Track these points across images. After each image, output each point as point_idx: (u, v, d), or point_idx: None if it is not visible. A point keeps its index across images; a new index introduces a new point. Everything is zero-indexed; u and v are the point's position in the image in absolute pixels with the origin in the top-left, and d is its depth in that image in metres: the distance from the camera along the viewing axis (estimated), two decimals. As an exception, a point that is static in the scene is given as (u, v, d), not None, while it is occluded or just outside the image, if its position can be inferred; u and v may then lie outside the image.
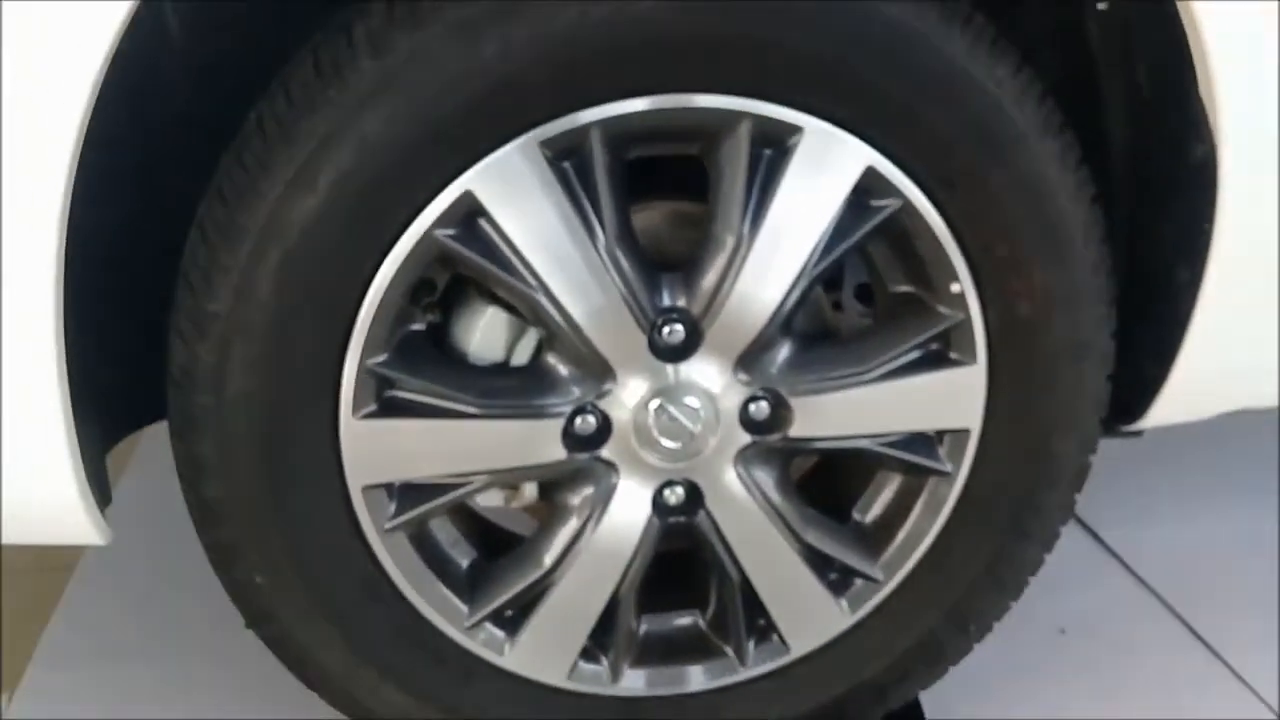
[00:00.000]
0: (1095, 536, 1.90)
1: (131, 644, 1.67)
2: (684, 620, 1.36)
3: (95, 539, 1.17)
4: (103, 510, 1.17)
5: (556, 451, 1.19)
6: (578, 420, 1.18)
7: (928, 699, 1.51)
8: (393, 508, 1.19)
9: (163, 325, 1.15)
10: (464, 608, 1.25)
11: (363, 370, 1.13)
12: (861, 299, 1.35)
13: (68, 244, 1.04)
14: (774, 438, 1.23)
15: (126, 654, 1.65)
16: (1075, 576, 1.77)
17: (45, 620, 1.71)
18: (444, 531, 1.27)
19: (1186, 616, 1.72)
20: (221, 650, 1.55)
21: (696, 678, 1.33)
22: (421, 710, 1.29)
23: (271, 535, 1.18)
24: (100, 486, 1.18)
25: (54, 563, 1.80)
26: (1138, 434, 1.40)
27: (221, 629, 1.35)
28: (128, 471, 1.94)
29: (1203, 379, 1.31)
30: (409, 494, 1.20)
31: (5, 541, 1.16)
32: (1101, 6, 1.25)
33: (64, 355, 1.07)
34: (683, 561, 1.33)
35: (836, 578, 1.31)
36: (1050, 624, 1.69)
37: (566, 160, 1.11)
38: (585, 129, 1.08)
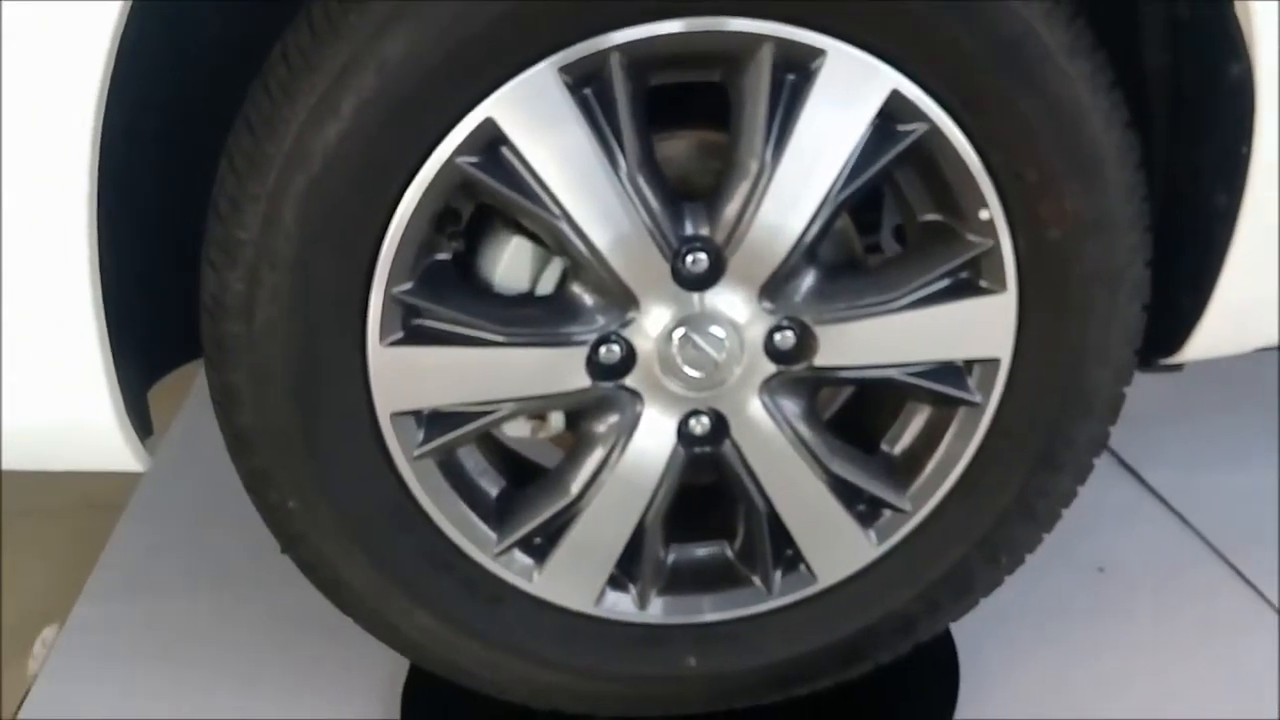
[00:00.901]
0: (1138, 477, 1.88)
1: (179, 580, 1.71)
2: (712, 550, 1.36)
3: (135, 466, 1.19)
4: (143, 440, 1.19)
5: (581, 380, 1.19)
6: (602, 349, 1.18)
7: (960, 634, 1.51)
8: (421, 435, 1.20)
9: (197, 268, 1.16)
10: (492, 534, 1.26)
11: (389, 298, 1.13)
12: (902, 241, 1.34)
13: (103, 176, 1.05)
14: (799, 367, 1.22)
15: (174, 590, 1.69)
16: (1116, 517, 1.77)
17: (94, 557, 1.75)
18: (472, 460, 1.28)
19: (1231, 558, 1.69)
20: (266, 583, 1.57)
21: (724, 606, 1.33)
22: (451, 633, 1.30)
23: (303, 462, 1.19)
24: (141, 417, 1.20)
25: (103, 500, 1.84)
26: (1178, 368, 1.37)
27: (266, 563, 1.36)
28: (179, 415, 1.98)
29: (1241, 311, 1.28)
30: (437, 421, 1.20)
31: (49, 467, 1.19)
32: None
33: (99, 286, 1.09)
34: (711, 493, 1.32)
35: (864, 508, 1.31)
36: (1089, 563, 1.69)
37: (587, 87, 1.10)
38: (605, 54, 1.07)
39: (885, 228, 1.39)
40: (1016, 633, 1.55)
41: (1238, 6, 1.12)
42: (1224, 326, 1.29)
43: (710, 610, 1.33)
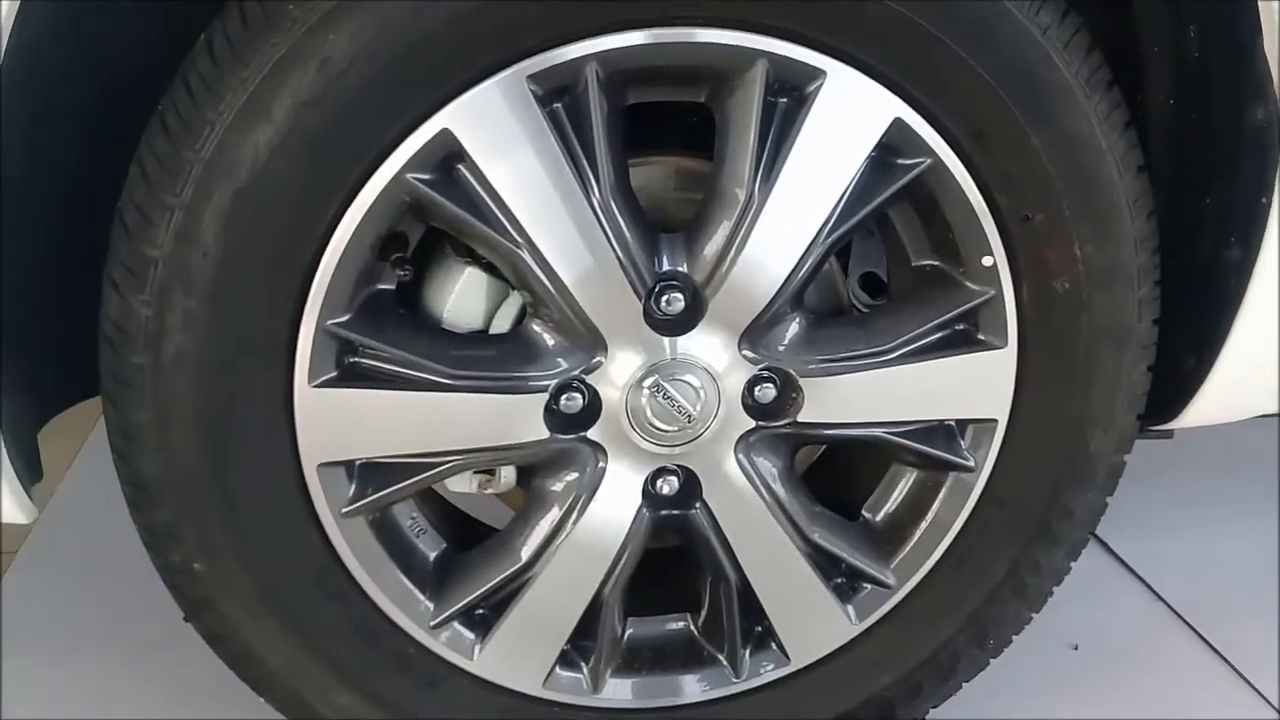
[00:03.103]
0: (1108, 549, 1.87)
1: (64, 641, 1.61)
2: (673, 625, 1.30)
3: (18, 517, 1.12)
4: (28, 488, 1.12)
5: (538, 431, 1.12)
6: (563, 397, 1.12)
7: (932, 716, 1.42)
8: (352, 489, 1.13)
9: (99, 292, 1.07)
10: (429, 604, 1.20)
11: (321, 332, 1.06)
12: (870, 290, 1.29)
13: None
14: (781, 423, 1.17)
15: (58, 651, 1.59)
16: (1088, 590, 1.73)
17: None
18: (409, 518, 1.21)
19: (1202, 630, 1.67)
20: (164, 652, 1.48)
21: (685, 688, 1.28)
22: (379, 718, 1.22)
23: (213, 517, 1.11)
24: (28, 461, 1.14)
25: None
26: (1168, 434, 1.33)
27: (163, 627, 1.27)
28: (78, 459, 1.88)
29: (1250, 375, 1.24)
30: (370, 474, 1.13)
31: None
32: (1146, -37, 1.19)
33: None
34: (672, 559, 1.26)
35: (843, 581, 1.26)
36: (1063, 639, 1.64)
37: (559, 101, 1.04)
38: (580, 64, 1.02)
39: (852, 275, 1.34)
40: (993, 714, 1.49)
41: (1266, 43, 1.08)
42: (1230, 391, 1.25)
43: (671, 693, 1.28)
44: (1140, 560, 1.80)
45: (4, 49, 0.93)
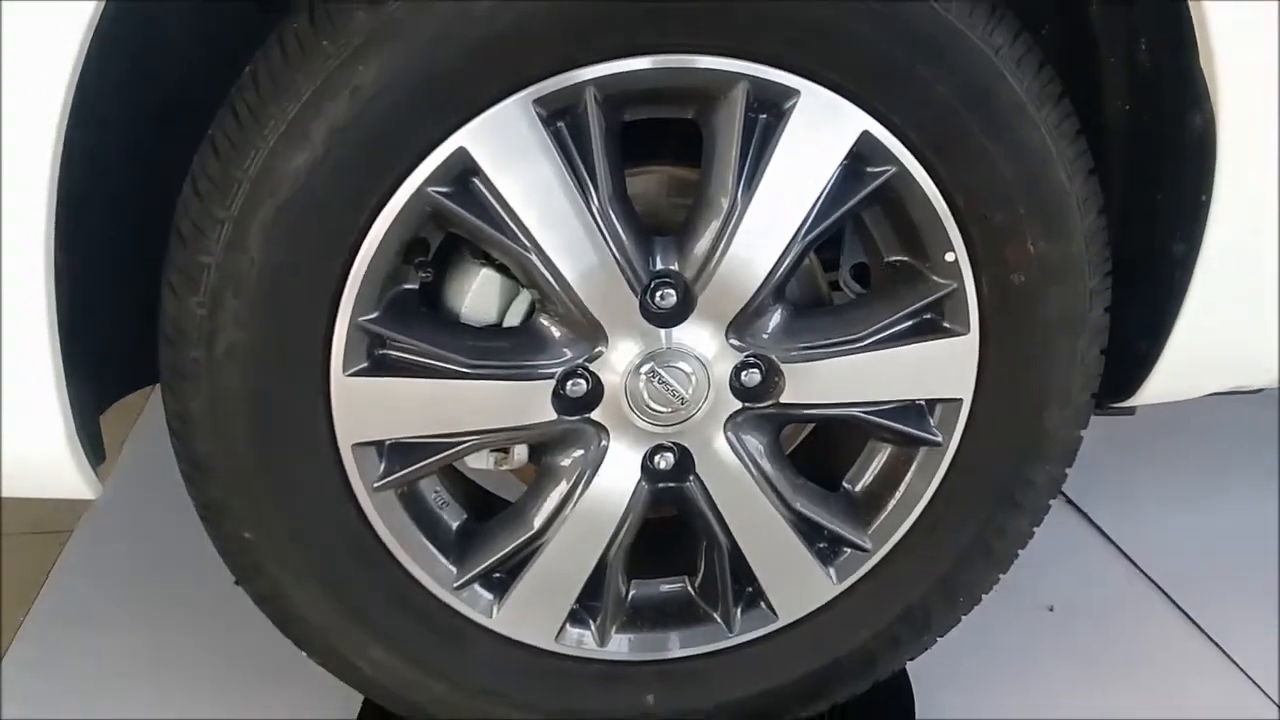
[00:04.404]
0: (1086, 517, 1.92)
1: (125, 609, 1.68)
2: (673, 586, 1.36)
3: (86, 493, 1.17)
4: (95, 467, 1.16)
5: (547, 413, 1.18)
6: (569, 382, 1.18)
7: (915, 670, 1.51)
8: (382, 466, 1.19)
9: (153, 290, 1.14)
10: (452, 568, 1.25)
11: (354, 327, 1.12)
12: (860, 279, 1.35)
13: (62, 198, 1.03)
14: (765, 404, 1.23)
15: (120, 619, 1.66)
16: (1065, 556, 1.80)
17: (38, 583, 1.72)
18: (433, 492, 1.27)
19: (1175, 596, 1.73)
20: (215, 615, 1.55)
21: (684, 643, 1.33)
22: (409, 670, 1.29)
23: (260, 492, 1.17)
24: (93, 443, 1.17)
25: (50, 526, 1.80)
26: (1130, 411, 1.40)
27: (214, 593, 1.35)
28: (129, 440, 1.95)
29: (1196, 357, 1.31)
30: (399, 453, 1.19)
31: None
32: (1102, -21, 1.25)
33: (55, 311, 1.06)
34: (673, 528, 1.32)
35: (825, 546, 1.31)
36: (1039, 602, 1.71)
37: (561, 120, 1.10)
38: (580, 88, 1.08)
39: (844, 266, 1.40)
40: (970, 670, 1.57)
41: (1201, 57, 1.14)
42: (1179, 372, 1.31)
43: (671, 647, 1.33)
44: (1117, 529, 1.86)
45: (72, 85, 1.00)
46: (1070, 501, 1.94)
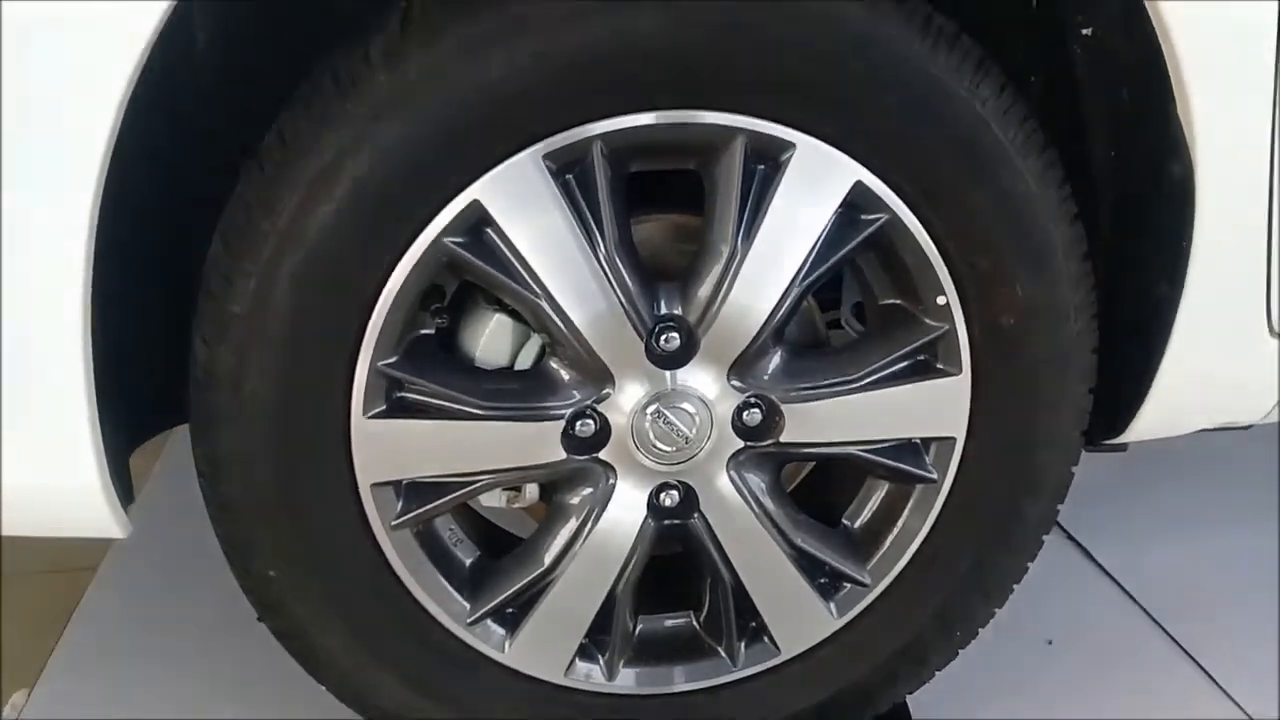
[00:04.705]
0: (1086, 552, 1.94)
1: (149, 646, 1.70)
2: (678, 621, 1.39)
3: (116, 533, 1.20)
4: (125, 507, 1.20)
5: (557, 453, 1.22)
6: (578, 423, 1.21)
7: (917, 704, 1.54)
8: (400, 505, 1.23)
9: (188, 331, 1.18)
10: (466, 604, 1.29)
11: (374, 371, 1.16)
12: (860, 318, 1.39)
13: (98, 251, 1.08)
14: (766, 443, 1.26)
15: (144, 656, 1.68)
16: (1065, 590, 1.83)
17: (61, 621, 1.74)
18: (448, 530, 1.31)
19: (1172, 630, 1.75)
20: (235, 651, 1.59)
21: (689, 677, 1.36)
22: (424, 703, 1.31)
23: (284, 530, 1.21)
24: (123, 483, 1.21)
25: (71, 564, 1.83)
26: (1122, 448, 1.43)
27: (236, 630, 1.38)
28: (150, 480, 1.99)
29: (1183, 395, 1.34)
30: (415, 492, 1.23)
31: (30, 532, 1.20)
32: (1085, 32, 1.30)
33: (90, 354, 1.11)
34: (678, 564, 1.35)
35: (826, 581, 1.34)
36: (1039, 635, 1.73)
37: (570, 173, 1.14)
38: (587, 143, 1.12)
39: (845, 305, 1.45)
40: (970, 703, 1.58)
41: (1179, 108, 1.19)
42: (1167, 409, 1.35)
43: (676, 681, 1.36)
44: (1116, 564, 1.88)
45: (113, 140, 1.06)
46: (1070, 536, 1.97)
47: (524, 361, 1.25)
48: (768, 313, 1.20)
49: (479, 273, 1.16)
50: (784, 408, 1.25)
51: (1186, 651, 1.71)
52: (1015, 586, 1.41)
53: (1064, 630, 1.74)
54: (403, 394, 1.19)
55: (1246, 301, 1.29)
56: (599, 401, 1.22)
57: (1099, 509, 1.99)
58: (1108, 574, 1.89)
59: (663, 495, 1.27)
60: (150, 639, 1.72)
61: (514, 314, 1.23)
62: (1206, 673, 1.67)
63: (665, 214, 1.27)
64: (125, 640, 1.72)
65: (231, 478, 1.19)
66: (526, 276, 1.16)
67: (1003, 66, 1.21)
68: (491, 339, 1.24)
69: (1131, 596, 1.83)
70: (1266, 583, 1.85)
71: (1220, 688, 1.64)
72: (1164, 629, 1.76)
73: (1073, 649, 1.72)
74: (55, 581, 1.82)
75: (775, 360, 1.25)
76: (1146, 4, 1.14)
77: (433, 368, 1.20)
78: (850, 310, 1.45)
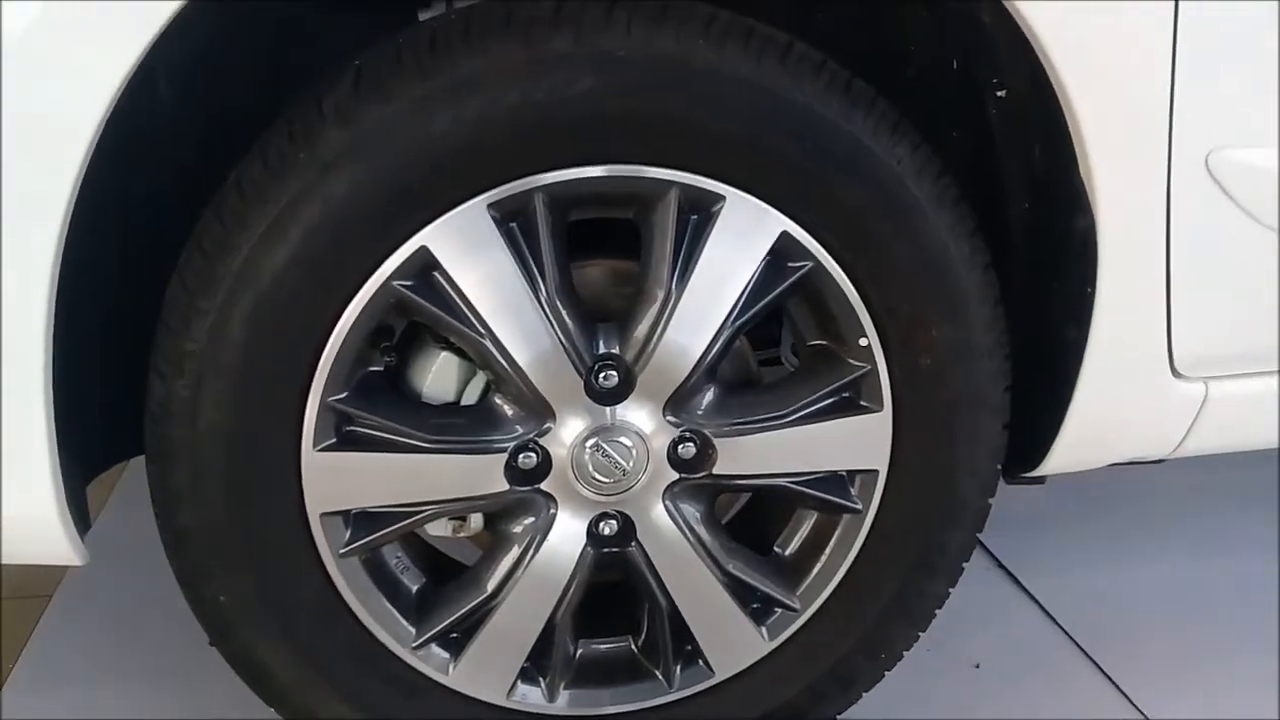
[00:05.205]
0: (1014, 579, 1.99)
1: (104, 670, 1.72)
2: (618, 645, 1.42)
3: (74, 560, 1.23)
4: (82, 534, 1.23)
5: (500, 484, 1.26)
6: (520, 456, 1.26)
7: (847, 726, 1.59)
8: (348, 534, 1.26)
9: (144, 365, 1.23)
10: (411, 629, 1.32)
11: (324, 406, 1.20)
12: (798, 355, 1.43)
13: (60, 285, 1.12)
14: (700, 475, 1.31)
15: (99, 682, 1.70)
16: (992, 615, 1.88)
17: (17, 648, 1.76)
18: (395, 558, 1.34)
19: (1095, 656, 1.81)
20: (189, 676, 1.61)
21: (627, 699, 1.39)
22: None
23: (235, 558, 1.25)
24: (80, 511, 1.24)
25: (27, 591, 1.85)
26: (1039, 481, 1.50)
27: (189, 654, 1.41)
28: (105, 508, 2.01)
29: (1093, 431, 1.41)
30: (363, 521, 1.26)
31: (-11, 560, 1.23)
32: (1000, 94, 1.38)
33: (50, 387, 1.15)
34: (618, 591, 1.40)
35: (758, 606, 1.39)
36: (966, 658, 1.78)
37: (513, 221, 1.20)
38: (529, 194, 1.17)
39: (784, 344, 1.52)
40: None
41: (1080, 166, 1.27)
42: (1077, 445, 1.41)
43: (614, 703, 1.39)
44: (1042, 590, 1.93)
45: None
46: (999, 563, 2.03)
47: (469, 397, 1.30)
48: (700, 352, 1.25)
49: (426, 314, 1.21)
50: (717, 441, 1.30)
51: (1108, 677, 1.77)
52: (938, 611, 1.46)
53: (991, 654, 1.80)
54: (352, 428, 1.24)
55: (1148, 345, 1.36)
56: (540, 435, 1.27)
57: (1026, 537, 2.05)
58: (1035, 600, 1.94)
59: (601, 524, 1.31)
60: (105, 664, 1.73)
61: (460, 352, 1.27)
62: (1128, 698, 1.72)
63: (605, 259, 1.32)
64: (80, 666, 1.74)
65: (185, 507, 1.22)
66: (472, 318, 1.21)
67: (927, 122, 1.29)
68: (438, 376, 1.29)
69: (1057, 622, 1.89)
70: (1189, 610, 1.91)
71: (1140, 711, 1.70)
72: (1088, 655, 1.81)
73: (1000, 672, 1.77)
74: (10, 608, 1.83)
75: (709, 397, 1.31)
76: (1048, 69, 1.22)
77: (381, 403, 1.25)
78: (790, 349, 1.51)
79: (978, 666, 1.78)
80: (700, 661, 1.39)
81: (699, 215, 1.23)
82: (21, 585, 1.83)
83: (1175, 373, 1.39)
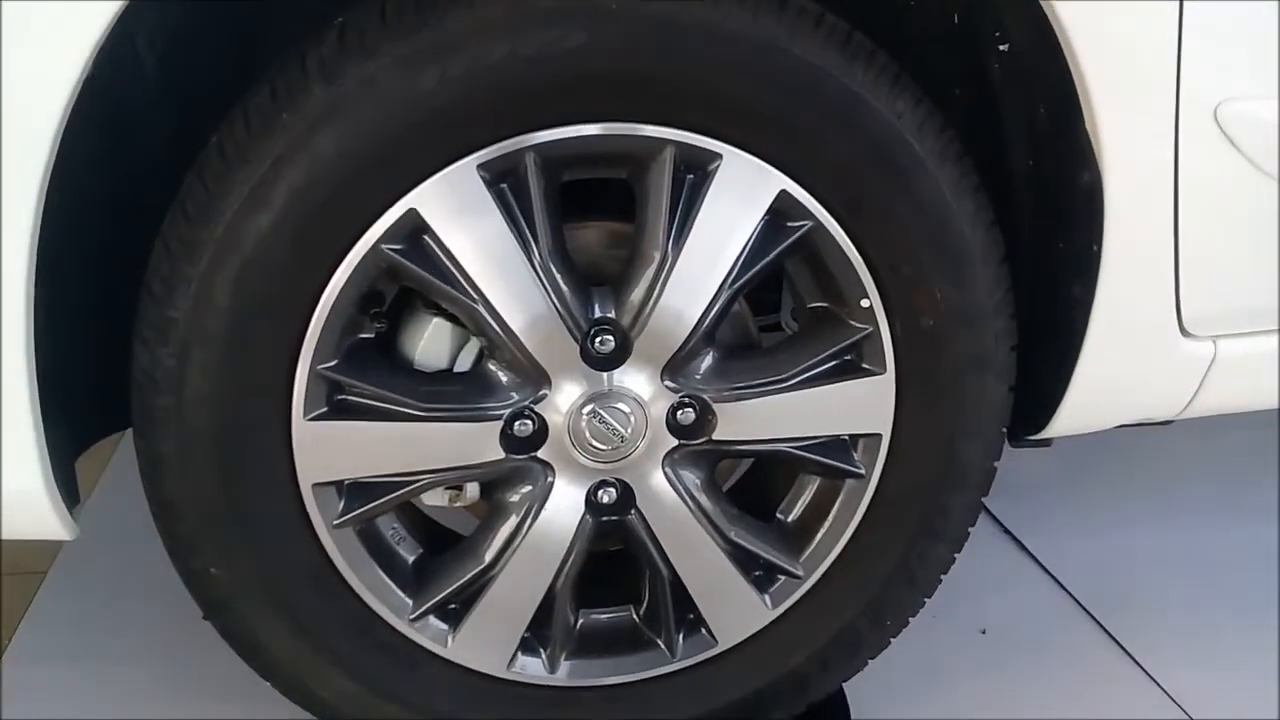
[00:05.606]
0: (1019, 544, 1.98)
1: (101, 647, 1.72)
2: (619, 614, 1.42)
3: (63, 534, 1.22)
4: (71, 509, 1.22)
5: (495, 452, 1.25)
6: (516, 423, 1.24)
7: (854, 691, 1.57)
8: (341, 504, 1.25)
9: (125, 341, 1.21)
10: (408, 600, 1.31)
11: (314, 374, 1.19)
12: (798, 319, 1.41)
13: (41, 257, 1.10)
14: (699, 441, 1.30)
15: (96, 657, 1.70)
16: (998, 581, 1.87)
17: (12, 624, 1.75)
18: (391, 528, 1.33)
19: (1102, 620, 1.80)
20: (185, 650, 1.60)
21: (630, 668, 1.39)
22: (368, 698, 1.34)
23: (227, 530, 1.23)
24: (68, 486, 1.23)
25: (22, 567, 1.84)
26: (1046, 443, 1.48)
27: (185, 630, 1.40)
28: (100, 483, 2.00)
29: (1100, 392, 1.39)
30: (357, 492, 1.25)
31: (-24, 535, 1.21)
32: (1002, 48, 1.35)
33: (33, 360, 1.13)
34: (618, 559, 1.39)
35: (761, 574, 1.38)
36: (973, 624, 1.77)
37: (504, 182, 1.17)
38: (520, 153, 1.15)
39: (784, 308, 1.50)
40: (906, 690, 1.62)
41: (1086, 121, 1.24)
42: (1084, 406, 1.39)
43: (617, 673, 1.39)
44: (1048, 555, 1.92)
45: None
46: (1004, 529, 2.02)
47: (462, 364, 1.28)
48: (698, 316, 1.24)
49: (417, 278, 1.19)
50: (716, 407, 1.28)
51: (1116, 640, 1.76)
52: (943, 577, 1.45)
53: (998, 619, 1.79)
54: (343, 396, 1.22)
55: (1156, 303, 1.34)
56: (536, 402, 1.25)
57: (1033, 502, 2.04)
58: (1040, 565, 1.93)
59: (600, 493, 1.30)
60: (101, 640, 1.73)
61: (452, 318, 1.26)
62: (1135, 660, 1.72)
63: (599, 221, 1.30)
64: (78, 640, 1.73)
65: (173, 478, 1.21)
66: (464, 282, 1.19)
67: (928, 79, 1.25)
68: (430, 342, 1.27)
69: (1063, 587, 1.88)
70: (1195, 574, 1.90)
71: (1148, 674, 1.69)
72: (1094, 618, 1.81)
73: (1006, 638, 1.76)
74: (8, 584, 1.82)
75: (707, 361, 1.29)
76: (1053, 23, 1.19)
77: (373, 370, 1.23)
78: (790, 313, 1.49)
79: (984, 632, 1.78)
80: (703, 630, 1.39)
81: (695, 175, 1.21)
82: (18, 561, 1.82)
83: (1184, 331, 1.36)
